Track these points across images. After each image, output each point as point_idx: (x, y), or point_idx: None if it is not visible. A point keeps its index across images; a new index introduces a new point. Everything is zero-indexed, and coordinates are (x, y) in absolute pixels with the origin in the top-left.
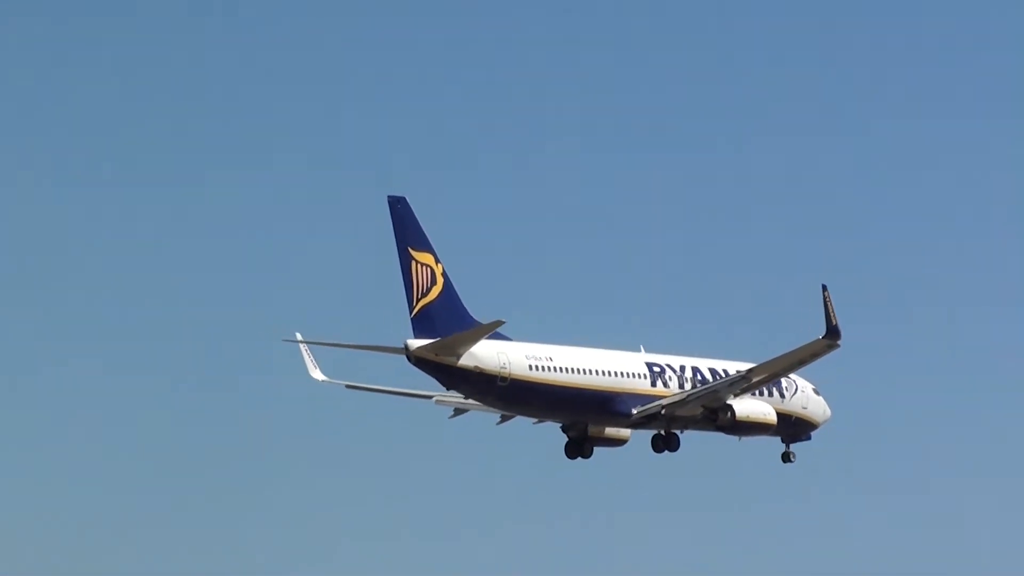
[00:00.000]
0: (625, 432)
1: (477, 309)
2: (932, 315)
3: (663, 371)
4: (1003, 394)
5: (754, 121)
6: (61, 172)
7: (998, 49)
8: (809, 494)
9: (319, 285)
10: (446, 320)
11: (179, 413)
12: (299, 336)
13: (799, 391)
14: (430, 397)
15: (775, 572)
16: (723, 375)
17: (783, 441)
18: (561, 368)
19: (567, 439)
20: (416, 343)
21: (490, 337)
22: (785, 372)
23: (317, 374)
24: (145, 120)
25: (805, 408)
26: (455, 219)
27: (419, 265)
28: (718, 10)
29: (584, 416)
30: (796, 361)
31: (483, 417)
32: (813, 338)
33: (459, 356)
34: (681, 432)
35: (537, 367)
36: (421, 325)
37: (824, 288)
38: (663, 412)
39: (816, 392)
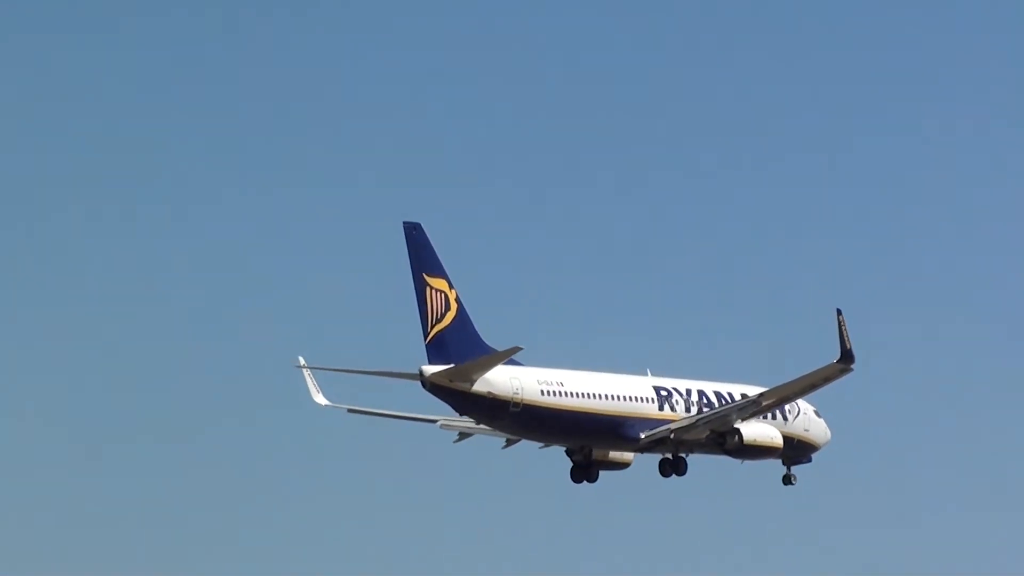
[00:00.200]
0: (629, 456)
1: (484, 333)
2: (930, 332)
3: (670, 395)
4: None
5: (760, 139)
6: (67, 188)
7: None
8: (812, 516)
9: (331, 310)
10: (460, 346)
11: (186, 438)
12: (302, 361)
13: (801, 413)
14: (434, 421)
15: None
16: (728, 398)
17: (784, 463)
18: (572, 393)
19: (572, 463)
20: (431, 369)
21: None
22: (796, 396)
23: (320, 399)
24: (158, 139)
25: (807, 431)
26: (455, 242)
27: (434, 291)
28: (741, 24)
29: (593, 441)
30: (808, 385)
31: (488, 441)
32: (814, 358)
33: (473, 382)
34: (687, 456)
35: (549, 392)
36: (435, 351)
37: (839, 312)
38: (672, 436)
39: (817, 414)
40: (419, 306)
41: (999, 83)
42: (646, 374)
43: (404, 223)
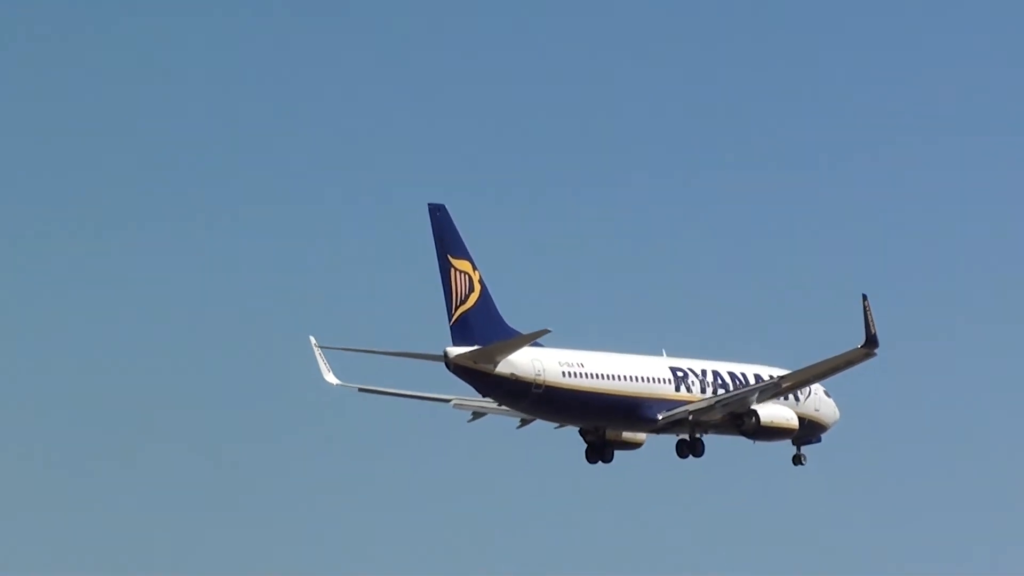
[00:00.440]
0: (641, 436)
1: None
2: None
3: (686, 376)
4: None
5: (784, 125)
6: (90, 164)
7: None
8: (823, 496)
9: (353, 290)
10: (483, 327)
11: (199, 417)
12: (314, 340)
13: (812, 394)
14: (447, 401)
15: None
16: (742, 379)
17: (794, 443)
18: (593, 374)
19: (586, 444)
20: (455, 351)
21: None
22: (817, 380)
23: (331, 378)
24: (183, 120)
25: (818, 411)
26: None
27: (458, 272)
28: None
29: (612, 422)
30: (830, 369)
31: (502, 421)
32: (823, 339)
33: (496, 364)
34: (702, 436)
35: (570, 373)
36: (460, 332)
37: (864, 297)
38: (690, 418)
39: (827, 394)
40: (444, 288)
41: None
42: (661, 355)
43: (429, 204)
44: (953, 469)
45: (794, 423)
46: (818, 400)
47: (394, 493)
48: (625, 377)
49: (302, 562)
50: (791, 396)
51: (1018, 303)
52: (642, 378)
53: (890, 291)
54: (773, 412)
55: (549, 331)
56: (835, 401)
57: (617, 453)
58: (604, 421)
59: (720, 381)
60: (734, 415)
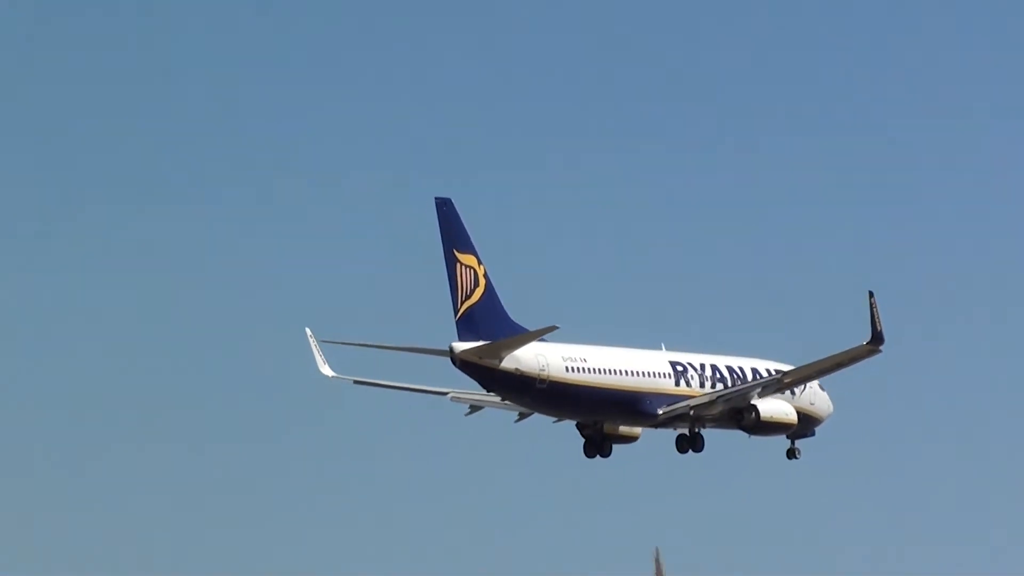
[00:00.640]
0: (637, 429)
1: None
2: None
3: (685, 370)
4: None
5: (786, 118)
6: (95, 166)
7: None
8: (821, 491)
9: (358, 284)
10: (488, 322)
11: (198, 409)
12: (309, 332)
13: (807, 387)
14: (444, 394)
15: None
16: (739, 372)
17: (788, 437)
18: (595, 369)
19: (584, 438)
20: (461, 346)
21: None
22: (820, 376)
23: (326, 370)
24: (185, 113)
25: (813, 404)
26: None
27: (463, 267)
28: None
29: (613, 416)
30: (834, 365)
31: (499, 414)
32: (817, 332)
33: (501, 359)
34: (701, 431)
35: (574, 368)
36: (465, 327)
37: (871, 295)
38: (691, 412)
39: (821, 387)
40: (449, 282)
41: None
42: (660, 349)
43: (436, 198)
44: (951, 465)
45: (793, 418)
46: (813, 394)
47: (390, 488)
48: (627, 372)
49: (295, 556)
50: (786, 390)
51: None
52: (643, 373)
53: (887, 286)
54: (773, 407)
55: (557, 327)
56: (828, 394)
57: (615, 447)
58: (606, 415)
59: (718, 375)
60: (734, 410)
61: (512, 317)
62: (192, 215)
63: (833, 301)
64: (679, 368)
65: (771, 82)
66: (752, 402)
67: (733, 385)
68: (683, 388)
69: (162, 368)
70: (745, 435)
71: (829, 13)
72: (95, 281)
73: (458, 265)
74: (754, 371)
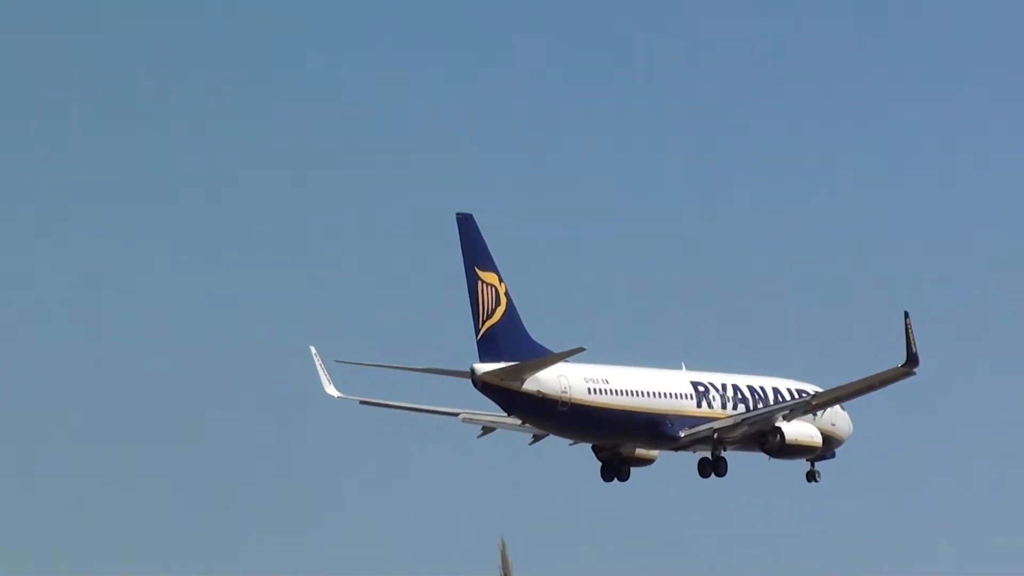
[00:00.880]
0: (654, 452)
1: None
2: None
3: (707, 391)
4: None
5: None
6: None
7: None
8: (844, 514)
9: (375, 302)
10: (509, 342)
11: (199, 427)
12: (314, 351)
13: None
14: (455, 415)
15: None
16: (760, 392)
17: (807, 459)
18: (617, 391)
19: (601, 462)
20: (483, 367)
21: None
22: (849, 398)
23: (332, 390)
24: (197, 125)
25: (834, 425)
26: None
27: (485, 285)
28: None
29: (634, 440)
30: (866, 387)
31: (513, 436)
32: (834, 349)
33: (523, 381)
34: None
35: (596, 391)
36: (486, 348)
37: (906, 315)
38: (715, 436)
39: (841, 407)
40: (471, 301)
41: None
42: (681, 368)
43: (457, 214)
44: (972, 489)
45: (818, 441)
46: (834, 414)
47: (397, 514)
48: (648, 393)
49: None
50: None
51: None
52: (665, 394)
53: (904, 302)
54: (798, 430)
55: (584, 349)
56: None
57: (632, 470)
58: (627, 439)
59: (740, 396)
60: (758, 432)
61: (533, 336)
62: (202, 226)
63: (850, 319)
64: (700, 389)
65: (792, 96)
66: (776, 424)
67: (754, 405)
68: (705, 410)
69: (165, 383)
70: (765, 457)
71: None
72: (97, 291)
73: (479, 283)
74: (775, 391)
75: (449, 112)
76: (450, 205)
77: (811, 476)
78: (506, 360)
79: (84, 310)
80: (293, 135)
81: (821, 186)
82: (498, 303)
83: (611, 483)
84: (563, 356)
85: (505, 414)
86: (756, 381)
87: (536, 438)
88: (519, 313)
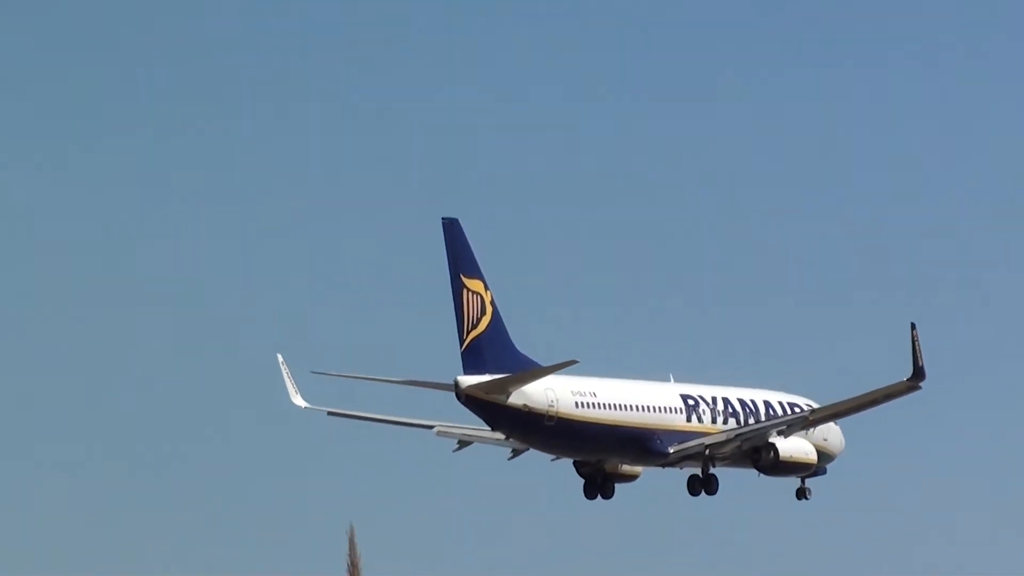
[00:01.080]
0: (638, 468)
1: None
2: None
3: (697, 404)
4: None
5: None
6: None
7: None
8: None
9: (357, 311)
10: (495, 353)
11: (173, 437)
12: (281, 359)
13: None
14: (430, 427)
15: None
16: (751, 406)
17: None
18: (605, 405)
19: (583, 478)
20: (468, 380)
21: None
22: (850, 413)
23: (299, 400)
24: (181, 128)
25: (826, 440)
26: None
27: (470, 293)
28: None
29: (621, 455)
30: (869, 402)
31: (491, 450)
32: (823, 359)
33: (509, 394)
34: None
35: (583, 404)
36: (471, 359)
37: (913, 327)
38: (706, 452)
39: (834, 422)
40: (456, 310)
41: None
42: (669, 380)
43: (443, 219)
44: (967, 507)
45: (813, 458)
46: (827, 428)
47: (369, 532)
48: (637, 407)
49: None
50: None
51: None
52: (654, 408)
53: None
54: (792, 446)
55: (577, 361)
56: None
57: (616, 487)
58: (612, 454)
59: (731, 410)
60: (752, 448)
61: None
62: (179, 232)
63: (845, 331)
64: (690, 402)
65: (787, 100)
66: (770, 440)
67: (745, 420)
68: (695, 424)
69: (135, 391)
70: (755, 473)
71: None
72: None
73: (465, 291)
74: (766, 404)
75: (437, 112)
76: (435, 209)
77: (801, 493)
78: (491, 372)
79: (52, 315)
80: (276, 139)
81: (819, 190)
82: (484, 312)
83: (595, 501)
84: (553, 369)
85: (487, 428)
86: (747, 394)
87: (515, 453)
88: (505, 323)
